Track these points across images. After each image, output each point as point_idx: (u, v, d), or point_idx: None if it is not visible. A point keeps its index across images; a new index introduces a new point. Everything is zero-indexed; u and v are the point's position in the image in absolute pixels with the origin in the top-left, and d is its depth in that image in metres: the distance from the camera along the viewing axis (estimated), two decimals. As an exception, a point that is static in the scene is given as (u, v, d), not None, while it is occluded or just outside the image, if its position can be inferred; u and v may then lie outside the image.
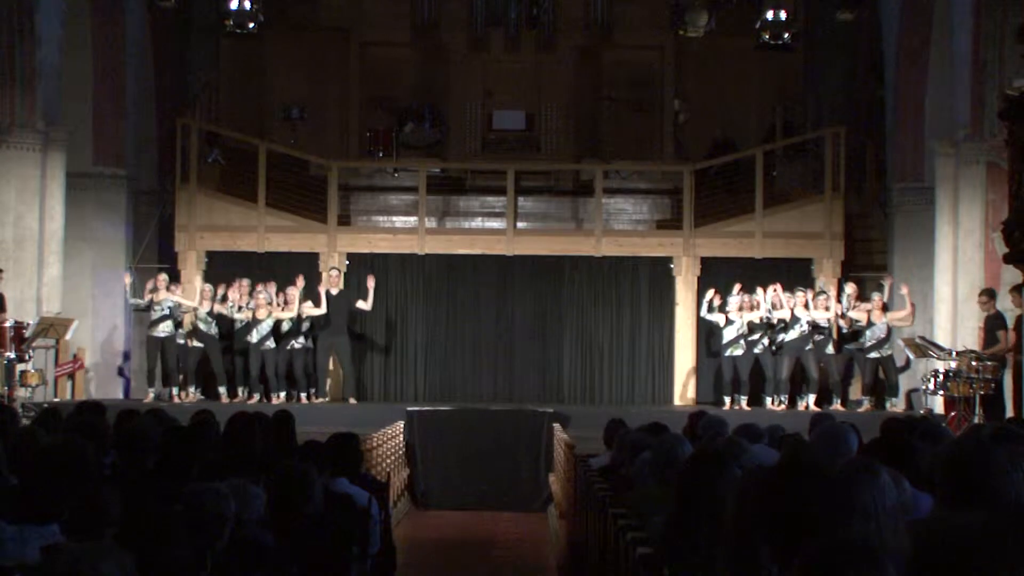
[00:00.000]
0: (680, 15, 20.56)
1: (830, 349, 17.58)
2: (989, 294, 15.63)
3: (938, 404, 15.78)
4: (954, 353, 15.44)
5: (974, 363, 14.91)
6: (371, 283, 17.84)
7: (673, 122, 21.73)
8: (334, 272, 18.01)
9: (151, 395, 17.44)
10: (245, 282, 17.77)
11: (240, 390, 17.69)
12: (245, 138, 20.33)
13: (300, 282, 17.50)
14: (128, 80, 18.84)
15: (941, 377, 15.19)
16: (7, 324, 14.81)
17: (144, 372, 20.07)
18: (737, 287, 17.72)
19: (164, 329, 17.33)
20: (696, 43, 21.11)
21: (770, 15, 19.64)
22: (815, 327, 17.40)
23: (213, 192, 19.55)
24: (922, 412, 15.17)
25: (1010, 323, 15.47)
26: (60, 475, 4.91)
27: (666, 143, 21.65)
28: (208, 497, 4.69)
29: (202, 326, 17.57)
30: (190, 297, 17.76)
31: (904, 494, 4.50)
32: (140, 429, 6.71)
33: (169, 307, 17.29)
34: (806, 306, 17.41)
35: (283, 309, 17.48)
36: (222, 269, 19.00)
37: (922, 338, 16.35)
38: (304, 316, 17.58)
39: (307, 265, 19.07)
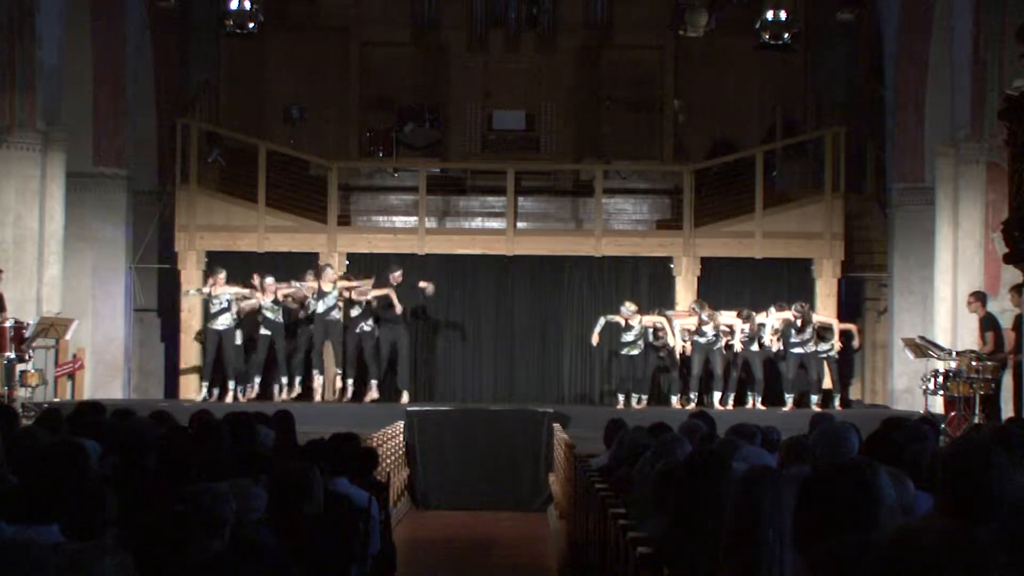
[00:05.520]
0: (680, 15, 20.55)
1: (754, 347, 17.42)
2: (976, 296, 15.64)
3: (938, 404, 15.77)
4: (954, 353, 15.44)
5: (974, 363, 14.91)
6: (430, 289, 17.78)
7: (673, 122, 21.74)
8: (398, 272, 17.72)
9: (203, 391, 17.45)
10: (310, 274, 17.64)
11: (297, 381, 17.48)
12: (245, 138, 20.33)
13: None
14: (128, 80, 18.83)
15: (941, 377, 15.19)
16: (7, 324, 14.80)
17: (144, 372, 20.14)
18: (628, 304, 17.65)
19: (223, 322, 17.25)
20: (696, 43, 21.11)
21: (770, 15, 19.62)
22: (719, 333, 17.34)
23: (213, 192, 19.55)
24: (921, 412, 15.17)
25: (1007, 323, 15.47)
26: (60, 475, 4.91)
27: (666, 143, 21.66)
28: (208, 497, 4.68)
29: (269, 315, 17.35)
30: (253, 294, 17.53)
31: (906, 494, 4.50)
32: (139, 429, 6.71)
33: (228, 300, 17.23)
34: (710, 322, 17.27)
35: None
36: (222, 269, 19.00)
37: (922, 338, 16.34)
38: (372, 297, 17.42)
39: (307, 265, 19.07)
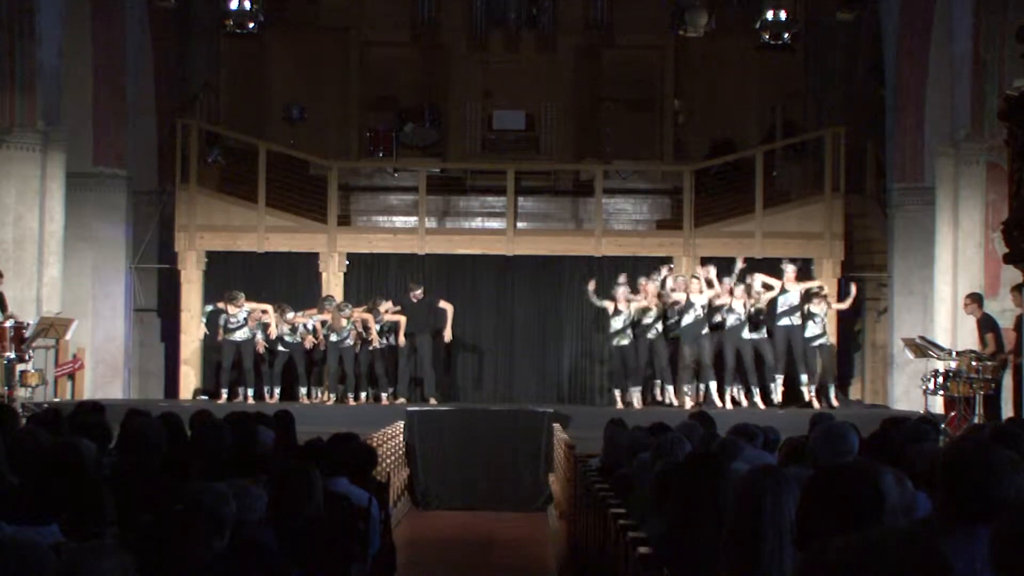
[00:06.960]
0: (680, 15, 20.56)
1: (746, 334, 17.20)
2: (972, 297, 15.63)
3: (938, 404, 15.77)
4: (954, 353, 15.44)
5: (974, 363, 14.91)
6: (450, 313, 17.98)
7: (673, 122, 21.74)
8: (419, 291, 17.96)
9: (224, 395, 17.51)
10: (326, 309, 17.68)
11: (317, 391, 17.73)
12: (245, 138, 20.34)
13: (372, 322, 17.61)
14: (128, 80, 18.83)
15: (941, 377, 15.18)
16: (7, 324, 14.80)
17: (144, 372, 20.13)
18: (623, 276, 17.51)
19: (241, 335, 17.40)
20: (696, 43, 21.11)
21: (770, 15, 19.64)
22: (711, 310, 17.22)
23: (213, 192, 19.55)
24: (921, 412, 15.17)
25: (1008, 323, 15.46)
26: (60, 475, 4.91)
27: (666, 143, 21.65)
28: (208, 497, 4.68)
29: (287, 338, 17.58)
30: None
31: (906, 494, 4.50)
32: (144, 430, 6.71)
33: (244, 317, 17.35)
34: (700, 291, 17.18)
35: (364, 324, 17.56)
36: (222, 269, 19.02)
37: (922, 338, 16.34)
38: (386, 321, 17.72)
39: (307, 265, 19.09)
